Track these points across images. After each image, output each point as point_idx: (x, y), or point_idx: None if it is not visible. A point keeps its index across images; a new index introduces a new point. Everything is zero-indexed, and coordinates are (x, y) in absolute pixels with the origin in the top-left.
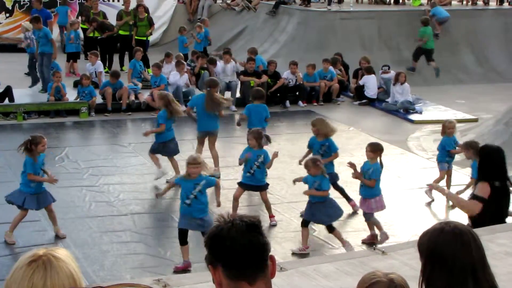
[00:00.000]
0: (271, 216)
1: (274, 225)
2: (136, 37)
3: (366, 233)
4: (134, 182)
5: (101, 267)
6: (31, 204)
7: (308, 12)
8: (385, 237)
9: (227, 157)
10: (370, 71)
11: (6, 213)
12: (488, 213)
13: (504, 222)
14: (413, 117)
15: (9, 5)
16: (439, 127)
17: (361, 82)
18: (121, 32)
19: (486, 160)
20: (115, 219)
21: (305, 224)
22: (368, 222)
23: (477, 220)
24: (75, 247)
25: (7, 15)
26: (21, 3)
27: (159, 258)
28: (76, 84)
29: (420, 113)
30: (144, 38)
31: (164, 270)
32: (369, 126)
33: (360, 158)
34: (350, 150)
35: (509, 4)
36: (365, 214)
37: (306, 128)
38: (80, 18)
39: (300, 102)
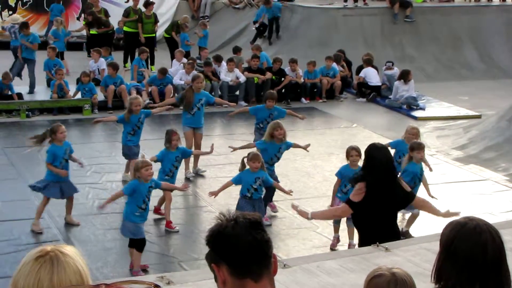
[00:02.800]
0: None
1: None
2: (144, 35)
3: None
4: None
5: (105, 264)
6: (53, 193)
7: (311, 8)
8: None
9: (231, 154)
10: (369, 63)
11: (11, 210)
12: (365, 212)
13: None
14: (416, 113)
15: (12, 2)
16: (442, 124)
17: (362, 74)
18: (126, 29)
19: (369, 159)
20: (119, 216)
21: None
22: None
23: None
24: (79, 244)
25: (10, 12)
26: (24, 1)
27: (162, 255)
28: (79, 81)
29: (424, 109)
30: (153, 35)
31: (167, 267)
32: (372, 123)
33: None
34: None
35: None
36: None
37: (308, 125)
38: (83, 15)
39: (303, 99)
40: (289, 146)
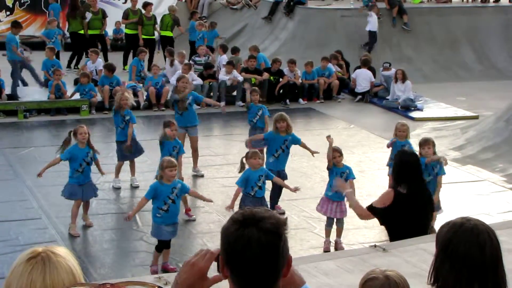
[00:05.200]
0: (188, 210)
1: (193, 220)
2: (143, 36)
3: (367, 230)
4: None
5: (102, 265)
6: (71, 193)
7: (309, 9)
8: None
9: (228, 154)
10: (365, 63)
11: (8, 211)
12: (393, 221)
13: (419, 229)
14: (414, 114)
15: (9, 3)
16: (440, 125)
17: (353, 76)
18: (127, 31)
19: (400, 165)
20: (116, 217)
21: None
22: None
23: (389, 230)
24: (76, 245)
25: (8, 13)
26: (22, 1)
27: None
28: (77, 82)
29: (421, 110)
30: (153, 37)
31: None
32: (369, 124)
33: (361, 156)
34: (350, 148)
35: (509, 1)
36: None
37: (306, 126)
38: None
39: (300, 100)
40: (296, 141)
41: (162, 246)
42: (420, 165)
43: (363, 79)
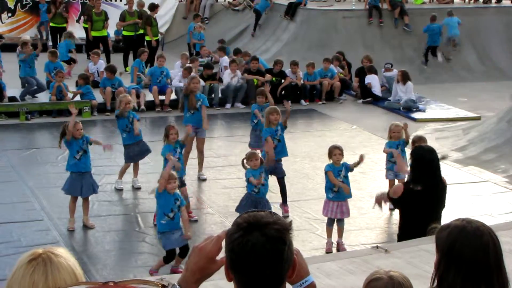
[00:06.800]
0: (189, 212)
1: (195, 221)
2: (149, 38)
3: (369, 231)
4: None
5: (104, 266)
6: (70, 189)
7: (311, 10)
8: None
9: (230, 156)
10: (371, 70)
11: (10, 213)
12: (405, 217)
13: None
14: (416, 115)
15: (11, 4)
16: (441, 126)
17: (368, 80)
18: (125, 32)
19: (416, 162)
20: (118, 218)
21: None
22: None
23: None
24: (78, 246)
25: (9, 14)
26: (23, 3)
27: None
28: (78, 84)
29: (423, 111)
30: (158, 38)
31: (167, 269)
32: (371, 125)
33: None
34: (353, 148)
35: (511, 2)
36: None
37: (307, 127)
38: (82, 18)
39: (302, 101)
40: (282, 128)
41: (171, 257)
42: (437, 162)
43: (376, 84)
